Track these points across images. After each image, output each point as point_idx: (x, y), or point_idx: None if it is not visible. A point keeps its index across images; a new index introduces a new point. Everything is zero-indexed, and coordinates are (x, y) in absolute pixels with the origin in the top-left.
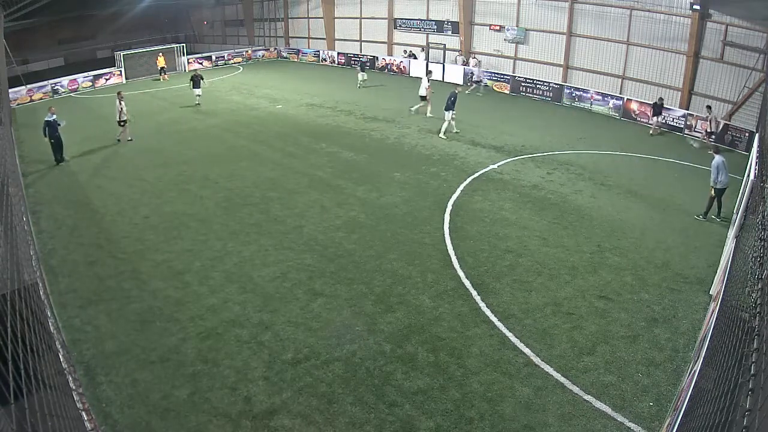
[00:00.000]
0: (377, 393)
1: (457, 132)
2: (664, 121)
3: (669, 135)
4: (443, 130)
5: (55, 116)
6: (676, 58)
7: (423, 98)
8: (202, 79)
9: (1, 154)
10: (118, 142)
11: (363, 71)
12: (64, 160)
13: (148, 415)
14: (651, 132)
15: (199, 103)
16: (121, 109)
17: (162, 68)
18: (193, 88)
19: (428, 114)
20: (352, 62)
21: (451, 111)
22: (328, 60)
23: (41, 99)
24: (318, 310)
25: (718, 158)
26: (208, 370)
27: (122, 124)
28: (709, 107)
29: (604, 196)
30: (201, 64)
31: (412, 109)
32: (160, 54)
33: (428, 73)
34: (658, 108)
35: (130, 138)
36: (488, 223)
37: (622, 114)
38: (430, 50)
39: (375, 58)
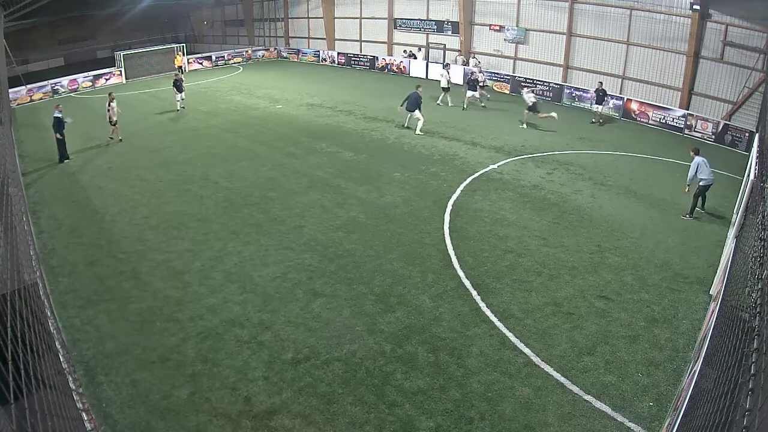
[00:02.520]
0: (377, 393)
1: (408, 127)
2: (608, 109)
3: (667, 134)
4: (419, 127)
5: (61, 114)
6: (676, 58)
7: (446, 89)
8: (182, 81)
9: (1, 154)
10: (111, 141)
11: (480, 88)
12: (66, 158)
13: (148, 415)
14: (593, 120)
15: (182, 108)
16: (111, 108)
17: (179, 67)
18: (177, 92)
19: (450, 104)
20: (352, 62)
21: (417, 110)
22: (328, 60)
23: (41, 99)
24: (318, 310)
25: (698, 158)
26: (208, 370)
27: (114, 123)
28: (601, 83)
29: (604, 196)
30: (201, 64)
31: (439, 102)
32: (178, 53)
33: (446, 66)
34: (600, 96)
35: (120, 138)
36: (488, 223)
37: (622, 114)
38: (430, 50)
39: (375, 58)
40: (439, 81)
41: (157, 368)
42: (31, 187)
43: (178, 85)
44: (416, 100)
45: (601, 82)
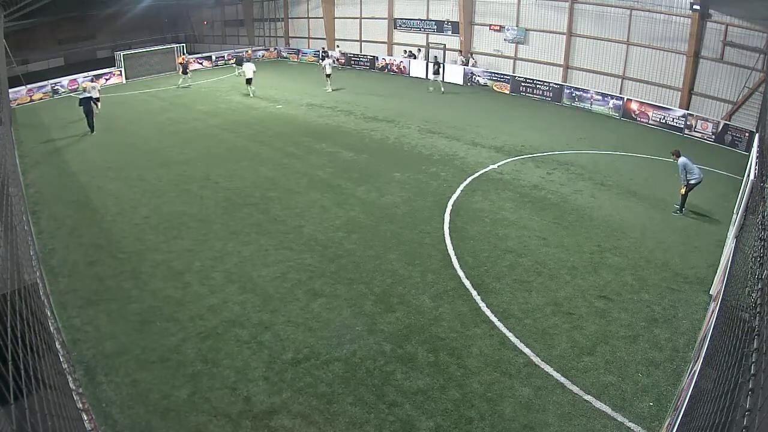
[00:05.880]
0: (377, 393)
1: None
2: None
3: (667, 134)
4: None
5: (87, 93)
6: (676, 58)
7: (328, 75)
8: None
9: (1, 154)
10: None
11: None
12: (92, 130)
13: (148, 415)
14: (430, 88)
15: (188, 86)
16: (94, 89)
17: (180, 64)
18: (183, 73)
19: (330, 88)
20: (352, 62)
21: (240, 67)
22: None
23: (41, 99)
24: (318, 310)
25: (682, 159)
26: (208, 370)
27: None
28: (436, 57)
29: (604, 196)
30: (201, 64)
31: (326, 88)
32: (181, 55)
33: (325, 54)
34: (435, 68)
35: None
36: (488, 223)
37: (622, 114)
38: (430, 50)
39: (375, 58)
40: (324, 68)
41: (157, 368)
42: (31, 187)
43: (184, 68)
44: (243, 59)
45: (436, 56)
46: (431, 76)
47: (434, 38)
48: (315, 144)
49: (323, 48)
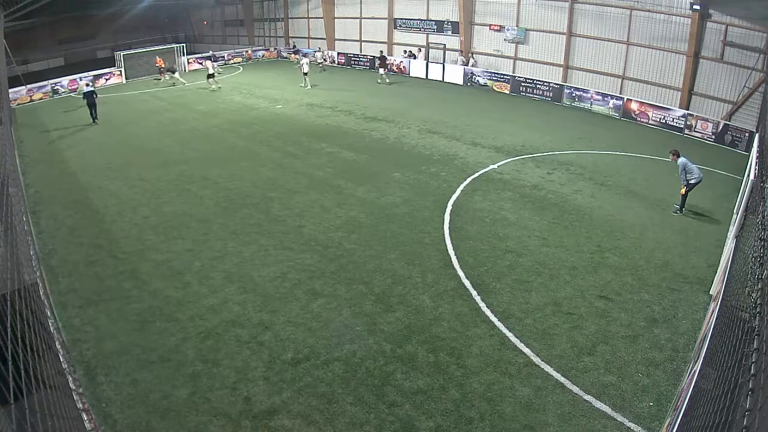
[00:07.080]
0: (377, 393)
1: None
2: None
3: (667, 134)
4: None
5: (92, 88)
6: (676, 58)
7: (305, 74)
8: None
9: (1, 154)
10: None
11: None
12: (95, 121)
13: (148, 415)
14: (378, 81)
15: (172, 83)
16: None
17: (160, 68)
18: (173, 73)
19: (308, 86)
20: (352, 62)
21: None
22: (327, 60)
23: (41, 99)
24: (318, 310)
25: (681, 159)
26: (208, 370)
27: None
28: (381, 51)
29: (604, 196)
30: (201, 64)
31: (302, 85)
32: (158, 56)
33: (298, 51)
34: (382, 61)
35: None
36: (488, 223)
37: (622, 114)
38: (431, 50)
39: (375, 58)
40: (302, 67)
41: (157, 368)
42: (31, 187)
43: (170, 69)
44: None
45: (382, 51)
46: (380, 70)
47: (434, 38)
48: (315, 144)
49: (294, 45)
